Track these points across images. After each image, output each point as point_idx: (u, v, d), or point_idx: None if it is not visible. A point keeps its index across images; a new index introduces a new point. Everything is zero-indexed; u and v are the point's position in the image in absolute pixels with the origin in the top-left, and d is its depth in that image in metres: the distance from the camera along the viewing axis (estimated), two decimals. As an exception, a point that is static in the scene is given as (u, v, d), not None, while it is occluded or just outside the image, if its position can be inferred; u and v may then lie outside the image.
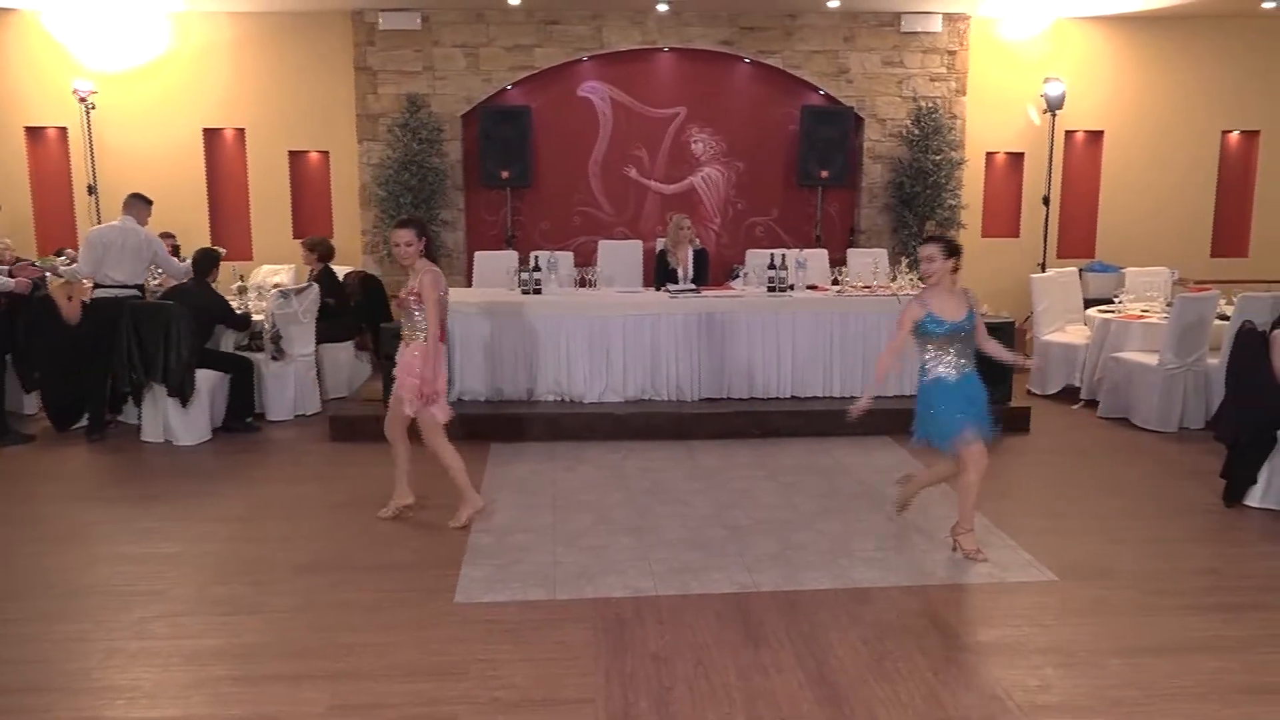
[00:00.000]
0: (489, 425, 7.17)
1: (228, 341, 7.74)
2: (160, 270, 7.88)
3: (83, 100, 9.62)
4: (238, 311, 7.73)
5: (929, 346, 4.83)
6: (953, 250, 4.86)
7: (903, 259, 8.86)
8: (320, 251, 8.56)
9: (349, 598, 4.47)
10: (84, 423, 7.35)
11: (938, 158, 9.85)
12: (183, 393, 6.99)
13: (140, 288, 7.42)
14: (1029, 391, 8.54)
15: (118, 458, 6.82)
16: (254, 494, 6.00)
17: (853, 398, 7.58)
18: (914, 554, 4.97)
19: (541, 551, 5.01)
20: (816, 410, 7.38)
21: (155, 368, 6.98)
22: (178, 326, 6.94)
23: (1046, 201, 10.21)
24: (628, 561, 4.87)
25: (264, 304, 7.91)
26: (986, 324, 7.33)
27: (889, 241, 10.12)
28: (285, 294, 7.68)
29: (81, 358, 7.25)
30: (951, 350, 4.80)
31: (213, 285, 7.46)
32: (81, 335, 7.25)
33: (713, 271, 8.82)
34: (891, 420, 7.31)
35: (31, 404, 7.81)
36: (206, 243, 9.86)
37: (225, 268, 7.95)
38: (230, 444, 7.10)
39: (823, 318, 7.55)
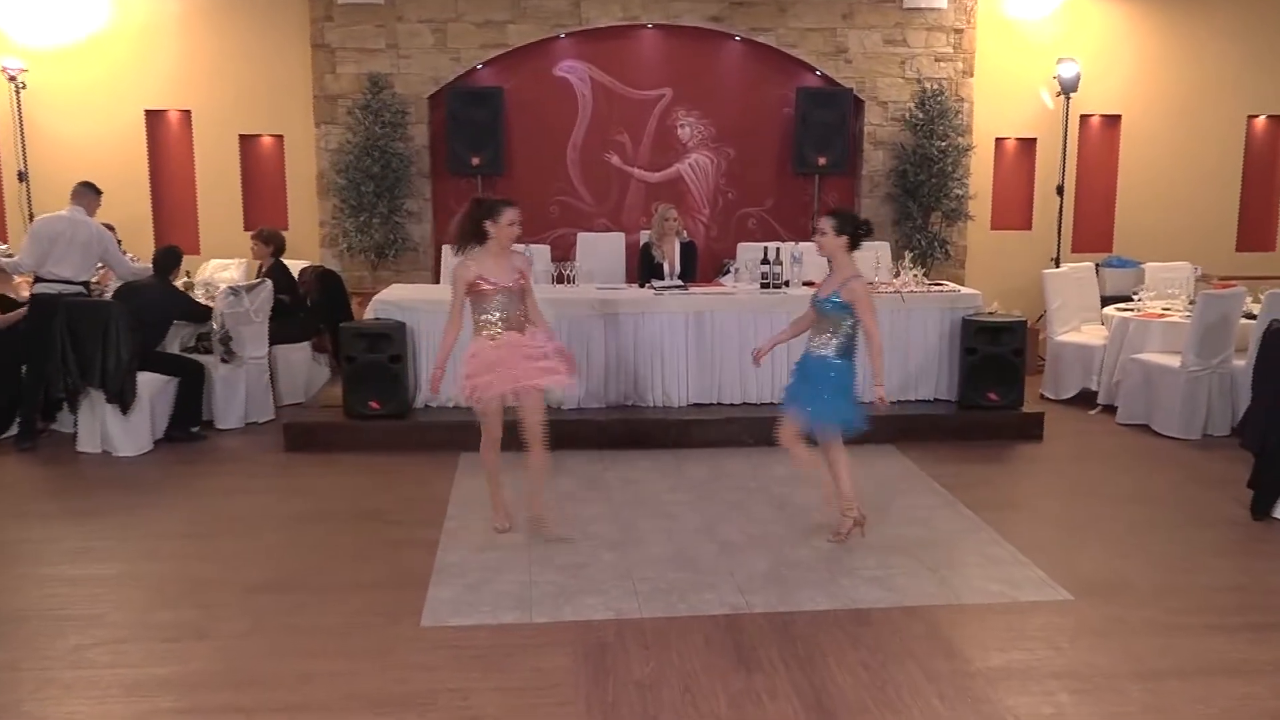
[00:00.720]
0: (457, 433, 7.15)
1: (174, 341, 7.71)
2: (101, 267, 7.84)
3: (12, 79, 9.55)
4: (202, 306, 7.74)
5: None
6: (845, 226, 5.06)
7: (906, 253, 8.90)
8: (274, 245, 8.54)
9: (306, 621, 4.46)
10: (14, 430, 7.30)
11: (943, 144, 9.90)
12: (123, 398, 6.95)
13: (86, 285, 7.39)
14: (1042, 396, 8.60)
15: (51, 469, 6.77)
16: (201, 508, 5.98)
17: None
18: (918, 572, 4.99)
19: (515, 570, 5.00)
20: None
21: (92, 371, 6.95)
22: (117, 326, 6.91)
23: (1060, 191, 10.28)
24: (609, 580, 4.87)
25: (213, 302, 7.87)
26: (996, 323, 7.44)
27: (891, 234, 10.16)
28: (236, 291, 7.66)
29: (14, 359, 7.20)
30: (822, 329, 5.15)
31: (175, 284, 7.47)
32: (14, 335, 7.21)
33: (701, 266, 8.83)
34: (895, 428, 7.36)
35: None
36: (148, 234, 9.83)
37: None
38: (175, 454, 7.07)
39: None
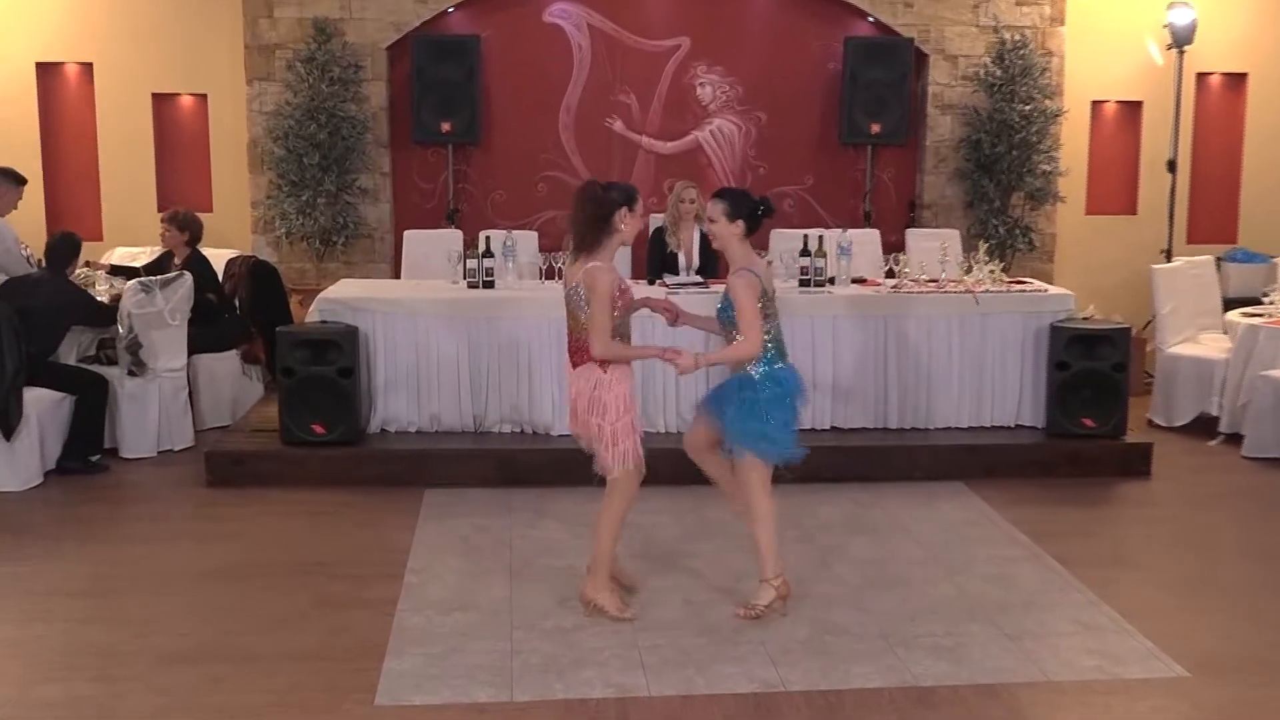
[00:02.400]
0: (421, 465, 7.14)
1: (68, 349, 7.71)
2: None
3: (-127, 25, 9.59)
4: (106, 305, 7.75)
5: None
6: (739, 209, 5.13)
7: (981, 243, 8.89)
8: (190, 231, 8.52)
9: (232, 699, 4.44)
10: None
11: (1027, 108, 9.89)
12: (5, 420, 6.96)
13: None
14: (1150, 422, 8.57)
15: (-84, 508, 6.78)
16: (102, 558, 5.96)
17: (915, 430, 7.62)
18: (995, 641, 4.97)
19: (492, 636, 4.99)
20: (864, 447, 7.38)
21: (-33, 386, 6.95)
22: (1, 333, 6.91)
23: (1172, 167, 10.26)
24: (610, 649, 4.85)
25: (120, 300, 7.84)
26: (1092, 331, 7.43)
27: (962, 219, 10.14)
28: (147, 287, 7.66)
29: None
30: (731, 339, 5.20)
31: (71, 278, 7.48)
32: None
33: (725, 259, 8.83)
34: (965, 461, 7.34)
35: None
36: (38, 217, 9.81)
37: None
38: (70, 490, 7.07)
39: (873, 323, 7.57)
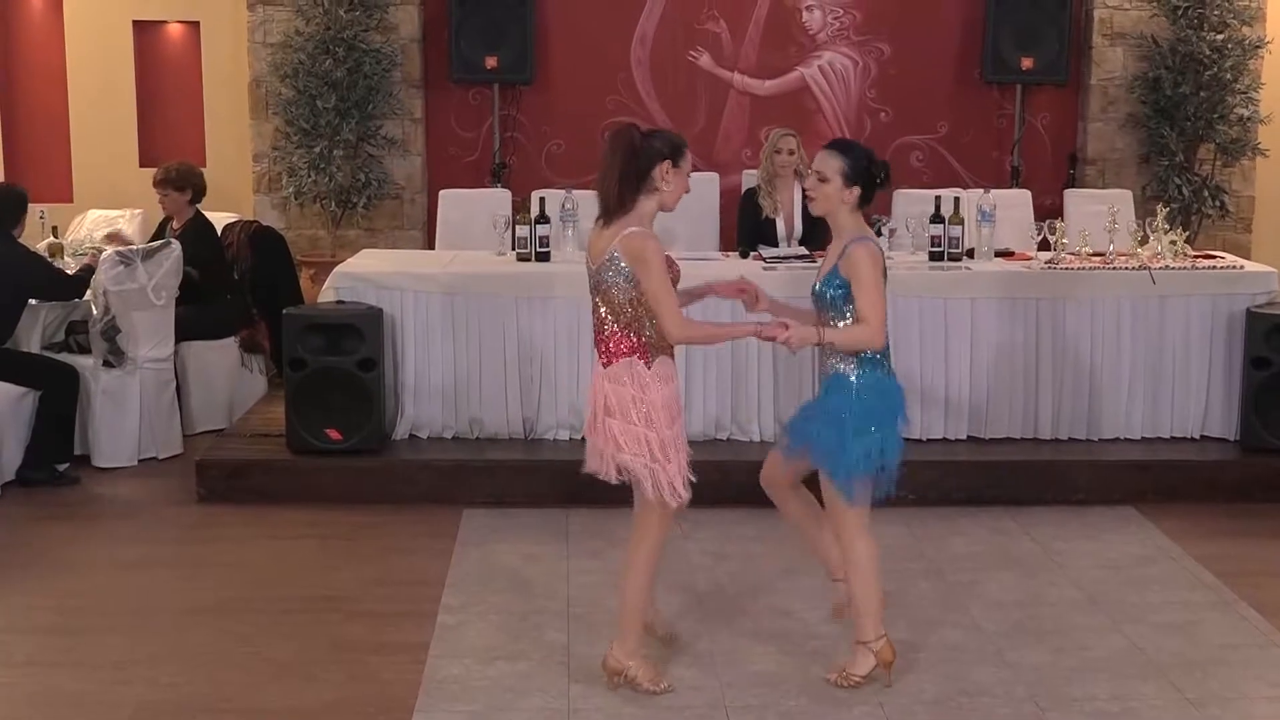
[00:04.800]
0: (458, 480, 7.18)
1: (30, 333, 7.81)
2: None
3: None
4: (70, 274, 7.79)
5: None
6: (858, 170, 4.99)
7: (1160, 207, 8.78)
8: (193, 189, 8.56)
9: (227, 763, 4.51)
10: None
11: (1219, 37, 9.77)
12: (-43, 421, 7.09)
13: None
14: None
15: None
16: (71, 589, 6.03)
17: (1074, 441, 7.56)
18: (1174, 705, 4.92)
19: (545, 691, 5.01)
20: (1009, 462, 7.36)
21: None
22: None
23: (1406, 112, 10.10)
24: (691, 709, 4.86)
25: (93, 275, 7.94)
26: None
27: (1136, 178, 10.04)
28: (127, 259, 7.74)
29: None
30: None
31: (18, 240, 7.55)
32: None
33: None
34: (1136, 481, 7.27)
35: None
36: (-5, 171, 10.00)
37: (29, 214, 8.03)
38: (33, 506, 7.16)
39: (1022, 306, 7.53)
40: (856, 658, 5.08)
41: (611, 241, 4.86)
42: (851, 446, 4.95)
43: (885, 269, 5.06)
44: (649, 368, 4.87)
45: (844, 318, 5.01)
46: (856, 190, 5.01)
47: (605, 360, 4.94)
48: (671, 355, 4.96)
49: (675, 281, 4.94)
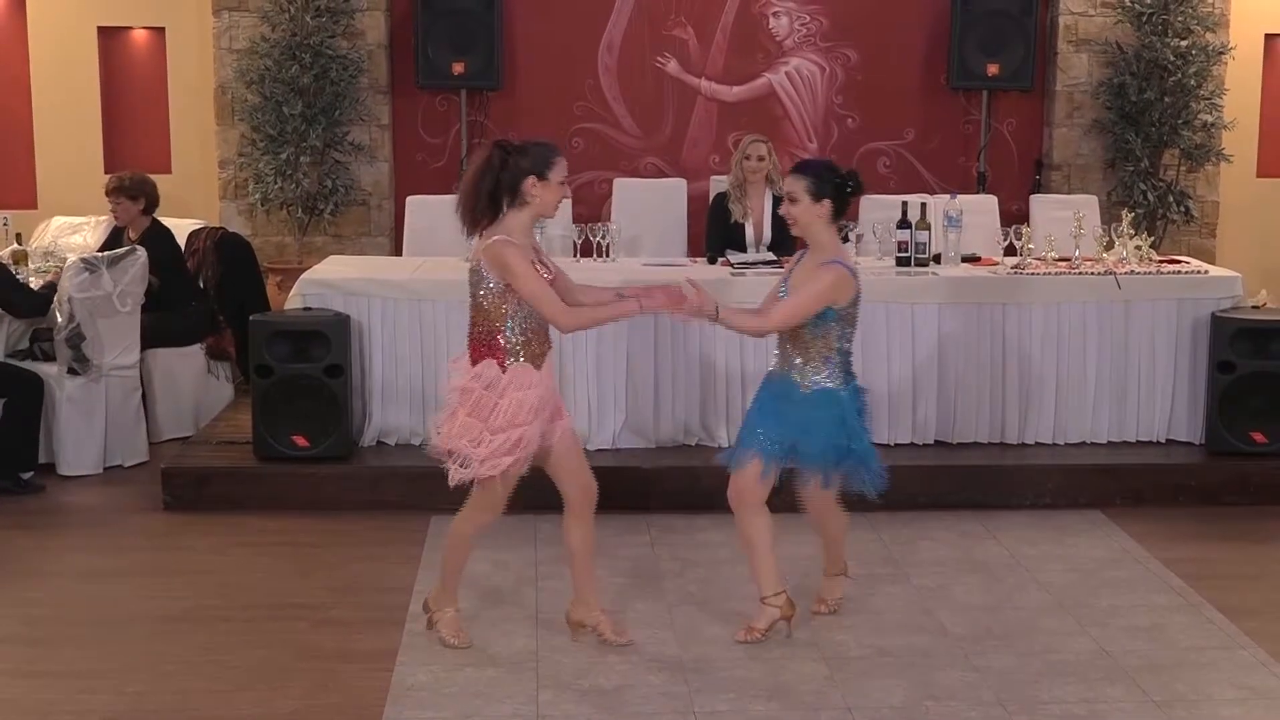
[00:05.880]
0: (426, 486, 7.14)
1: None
2: None
3: None
4: (29, 285, 7.77)
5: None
6: (824, 185, 5.14)
7: (1125, 212, 8.83)
8: (146, 198, 8.56)
9: (194, 772, 4.50)
10: None
11: (1183, 43, 9.82)
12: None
13: None
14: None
15: None
16: (35, 598, 6.01)
17: (1040, 445, 7.59)
18: (1142, 710, 4.94)
19: (514, 697, 5.01)
20: (976, 466, 7.38)
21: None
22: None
23: (1368, 117, 10.17)
24: (660, 714, 4.87)
25: (58, 282, 7.92)
26: (1265, 323, 7.38)
27: (1101, 183, 10.09)
28: (92, 265, 7.72)
29: None
30: (803, 345, 5.33)
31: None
32: None
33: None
34: (1103, 484, 7.30)
35: None
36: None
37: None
38: (-2, 514, 7.16)
39: (989, 312, 7.55)
40: (761, 613, 5.42)
41: (478, 252, 5.13)
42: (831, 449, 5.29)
43: (858, 294, 5.20)
44: (505, 373, 5.11)
45: (819, 331, 5.17)
46: (827, 203, 5.16)
47: (474, 357, 5.19)
48: (537, 366, 5.16)
49: (553, 281, 5.16)
